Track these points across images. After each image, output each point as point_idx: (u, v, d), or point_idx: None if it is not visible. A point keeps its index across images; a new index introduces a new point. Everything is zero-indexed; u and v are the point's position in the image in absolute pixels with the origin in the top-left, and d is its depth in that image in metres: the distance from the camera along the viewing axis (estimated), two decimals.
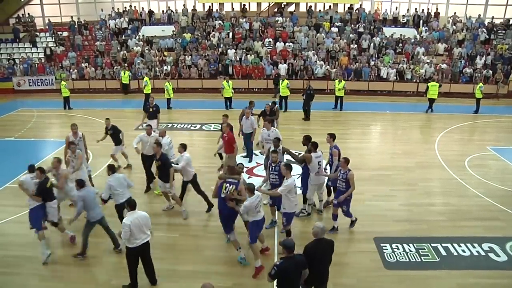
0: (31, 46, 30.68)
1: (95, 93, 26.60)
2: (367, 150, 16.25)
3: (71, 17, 32.47)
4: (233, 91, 22.14)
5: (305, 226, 10.23)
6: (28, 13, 33.50)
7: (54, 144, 17.39)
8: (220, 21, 29.93)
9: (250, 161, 14.34)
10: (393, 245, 9.46)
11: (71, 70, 27.14)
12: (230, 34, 28.77)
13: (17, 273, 8.82)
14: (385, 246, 9.43)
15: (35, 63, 28.12)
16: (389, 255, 9.14)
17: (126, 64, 26.86)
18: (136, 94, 25.44)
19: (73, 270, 8.92)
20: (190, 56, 26.84)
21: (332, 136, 10.87)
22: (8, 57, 29.10)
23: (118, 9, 32.41)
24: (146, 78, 22.27)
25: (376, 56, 26.60)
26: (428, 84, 21.46)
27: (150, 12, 31.83)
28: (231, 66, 25.85)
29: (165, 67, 26.26)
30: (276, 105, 16.34)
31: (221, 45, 27.81)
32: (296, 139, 16.05)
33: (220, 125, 13.69)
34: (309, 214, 10.81)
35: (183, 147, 10.90)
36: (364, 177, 12.97)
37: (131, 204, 7.88)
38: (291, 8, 32.45)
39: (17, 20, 33.31)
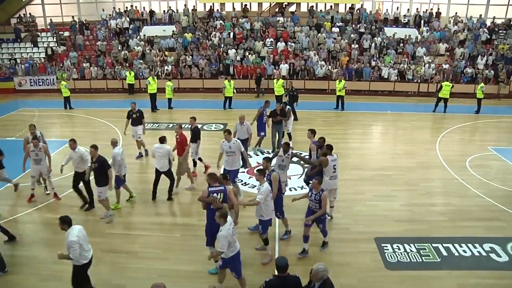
0: (32, 46, 30.69)
1: (96, 93, 26.61)
2: (368, 150, 16.26)
3: (72, 17, 32.48)
4: (235, 90, 22.16)
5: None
6: (30, 13, 33.56)
7: (55, 144, 17.37)
8: (221, 21, 29.96)
9: (245, 168, 13.26)
10: (394, 245, 9.45)
11: (72, 70, 27.16)
12: (231, 34, 28.76)
13: (16, 272, 8.83)
14: (386, 246, 9.42)
15: (36, 63, 28.14)
16: (390, 255, 9.13)
17: (127, 64, 26.86)
18: (139, 94, 25.44)
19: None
20: (191, 56, 26.86)
21: (313, 132, 11.44)
22: (10, 57, 29.13)
23: (119, 9, 32.41)
24: (149, 78, 22.22)
25: (377, 56, 26.59)
26: (442, 83, 21.41)
27: (151, 12, 31.86)
28: (232, 66, 25.85)
29: (166, 67, 26.26)
30: (288, 106, 15.84)
31: (222, 45, 27.80)
32: (298, 139, 16.14)
33: (221, 125, 13.67)
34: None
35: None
36: (365, 177, 13.02)
37: (67, 221, 7.38)
38: (292, 8, 32.48)
39: (18, 20, 33.39)
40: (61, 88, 22.94)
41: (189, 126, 13.35)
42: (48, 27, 32.34)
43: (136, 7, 32.27)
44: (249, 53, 26.83)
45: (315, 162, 10.44)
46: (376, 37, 27.73)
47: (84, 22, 31.97)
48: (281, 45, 27.38)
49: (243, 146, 12.93)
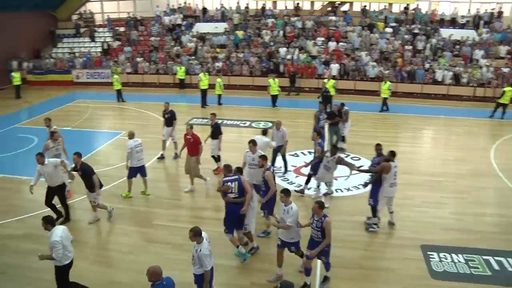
0: (90, 40, 32.03)
1: (148, 87, 27.33)
2: (418, 154, 15.77)
3: (128, 13, 33.72)
4: (279, 89, 22.12)
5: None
6: (89, 10, 35.06)
7: (107, 135, 18.06)
8: (272, 19, 29.96)
9: (284, 173, 13.46)
10: (441, 254, 9.13)
11: (126, 64, 28.10)
12: (282, 32, 28.71)
13: None
14: (432, 255, 9.13)
15: (93, 57, 29.31)
16: (436, 264, 8.84)
17: (179, 60, 27.40)
18: (189, 89, 25.99)
19: (120, 258, 9.29)
20: (242, 53, 27.07)
21: (319, 134, 11.75)
22: (69, 51, 30.55)
23: (173, 5, 33.18)
24: (201, 74, 22.57)
25: (432, 58, 25.73)
26: (505, 88, 20.40)
27: (204, 9, 32.36)
28: (282, 64, 25.80)
29: (217, 64, 26.59)
30: (345, 107, 15.36)
31: (273, 43, 27.80)
32: (348, 140, 15.90)
33: (269, 123, 13.64)
34: (377, 227, 10.30)
35: None
36: (414, 182, 12.68)
37: (50, 221, 7.44)
38: (345, 8, 31.97)
39: (78, 16, 35.06)
40: (113, 81, 23.78)
41: (210, 123, 13.61)
42: (105, 23, 33.68)
43: (189, 4, 32.82)
44: (300, 52, 26.67)
45: (374, 169, 10.10)
46: (431, 38, 26.85)
47: (139, 18, 32.95)
48: (332, 44, 27.07)
49: (278, 152, 12.97)
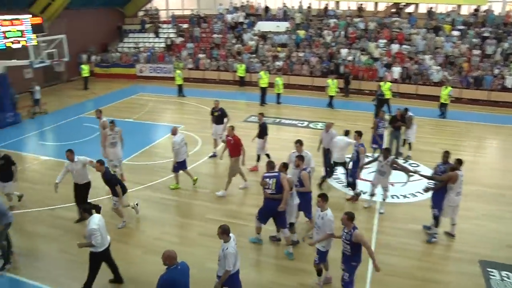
0: (154, 36, 33.23)
1: (208, 83, 27.93)
2: (481, 164, 15.10)
3: (192, 10, 34.54)
4: (338, 90, 21.85)
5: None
6: (155, 7, 36.33)
7: (166, 128, 18.58)
8: (335, 20, 29.63)
9: (329, 177, 12.86)
10: (503, 273, 8.69)
11: (188, 60, 28.85)
12: (344, 33, 28.32)
13: (125, 242, 9.77)
14: (492, 272, 8.72)
15: (157, 52, 30.33)
16: (497, 283, 8.42)
17: (240, 57, 27.71)
18: (249, 87, 26.31)
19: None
20: (302, 53, 26.98)
21: (359, 134, 11.47)
22: (134, 46, 31.80)
23: (236, 4, 33.67)
24: (261, 72, 22.76)
25: (502, 63, 24.41)
26: None
27: (266, 8, 32.52)
28: (342, 65, 25.46)
29: (277, 63, 26.66)
30: (409, 113, 14.82)
31: (334, 44, 27.49)
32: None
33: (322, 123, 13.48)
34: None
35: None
36: (474, 193, 12.18)
37: (88, 210, 7.86)
38: (410, 9, 30.98)
39: (144, 12, 36.53)
40: (175, 76, 24.49)
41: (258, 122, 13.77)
42: (170, 19, 34.84)
43: (252, 2, 33.13)
44: (362, 54, 26.21)
45: (440, 178, 9.77)
46: (502, 42, 25.47)
47: (202, 15, 33.73)
48: (395, 46, 26.37)
49: (327, 156, 12.63)
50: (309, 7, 31.64)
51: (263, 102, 22.47)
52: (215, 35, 30.82)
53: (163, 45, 31.78)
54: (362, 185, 12.19)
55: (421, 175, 10.51)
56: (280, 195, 8.80)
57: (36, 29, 23.87)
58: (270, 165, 9.30)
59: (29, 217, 11.05)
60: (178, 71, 24.68)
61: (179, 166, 12.36)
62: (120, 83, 28.65)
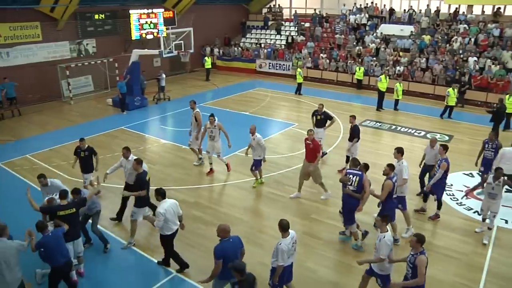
0: (276, 33, 34.06)
1: (326, 83, 28.03)
2: None
3: (315, 9, 34.83)
4: (456, 100, 20.63)
5: None
6: (279, 4, 37.22)
7: (280, 124, 19.04)
8: (465, 25, 27.76)
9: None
10: None
11: (307, 59, 29.20)
12: (474, 39, 26.41)
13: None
14: None
15: (277, 49, 31.05)
16: None
17: (360, 60, 27.32)
18: (366, 91, 25.94)
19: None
20: (425, 59, 25.77)
21: (445, 148, 10.76)
22: (256, 42, 32.90)
23: (360, 5, 33.20)
24: (382, 76, 22.27)
25: None
26: None
27: (391, 10, 31.59)
28: (468, 75, 23.72)
29: (398, 68, 25.82)
30: None
31: (462, 51, 25.83)
32: None
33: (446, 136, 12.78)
34: None
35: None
36: None
37: (161, 193, 8.26)
38: None
39: (268, 10, 37.63)
40: (296, 74, 24.93)
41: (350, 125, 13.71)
42: (292, 17, 35.40)
43: (376, 4, 32.41)
44: (493, 63, 24.21)
45: None
46: None
47: (325, 15, 33.77)
48: None
49: (428, 172, 11.81)
50: (437, 11, 30.04)
51: (379, 106, 21.97)
52: (337, 36, 30.72)
53: (284, 42, 32.50)
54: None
55: None
56: (359, 195, 8.99)
57: (167, 21, 26.06)
58: (355, 162, 9.45)
59: None
60: (299, 70, 25.15)
61: (259, 163, 12.68)
62: (240, 77, 29.90)
